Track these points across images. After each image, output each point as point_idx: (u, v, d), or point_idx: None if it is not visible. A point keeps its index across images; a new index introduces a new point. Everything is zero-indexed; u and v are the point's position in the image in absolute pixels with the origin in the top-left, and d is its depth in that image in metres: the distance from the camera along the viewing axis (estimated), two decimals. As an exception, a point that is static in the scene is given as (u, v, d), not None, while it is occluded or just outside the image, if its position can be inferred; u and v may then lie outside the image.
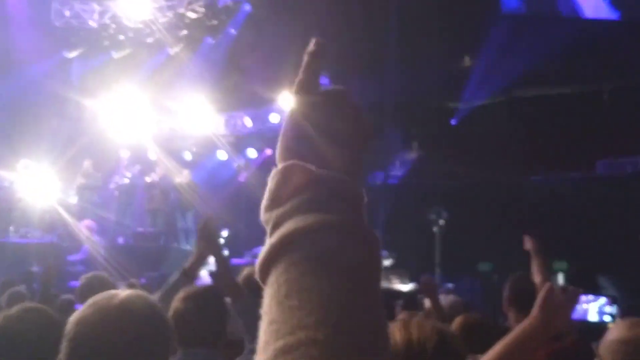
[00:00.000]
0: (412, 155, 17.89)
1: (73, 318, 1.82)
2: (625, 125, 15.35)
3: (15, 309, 2.47)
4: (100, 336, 1.76)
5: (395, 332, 1.72)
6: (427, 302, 5.52)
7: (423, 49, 15.89)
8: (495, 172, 15.06)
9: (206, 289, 3.20)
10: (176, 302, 3.02)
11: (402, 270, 11.68)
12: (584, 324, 10.85)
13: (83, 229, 11.23)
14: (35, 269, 9.66)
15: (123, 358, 1.77)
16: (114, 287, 4.54)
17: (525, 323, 2.22)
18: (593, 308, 11.41)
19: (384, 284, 11.53)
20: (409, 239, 13.83)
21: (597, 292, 12.34)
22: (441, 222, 14.00)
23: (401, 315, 4.98)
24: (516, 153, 15.20)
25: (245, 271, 4.02)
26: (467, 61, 17.04)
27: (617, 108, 15.51)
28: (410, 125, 17.72)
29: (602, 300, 11.61)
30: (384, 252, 12.57)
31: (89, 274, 4.67)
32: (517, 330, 2.21)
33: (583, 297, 11.13)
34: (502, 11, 15.63)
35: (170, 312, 2.92)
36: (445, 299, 5.90)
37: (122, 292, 1.90)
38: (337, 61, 15.64)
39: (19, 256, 10.39)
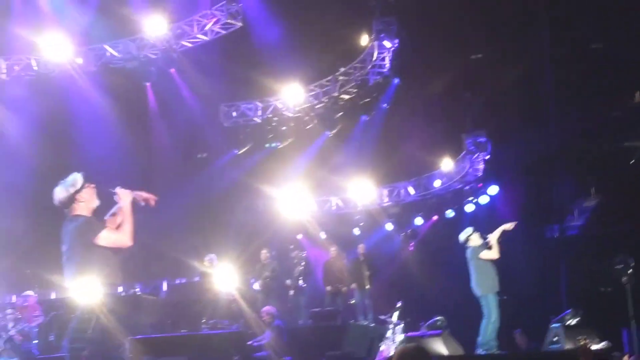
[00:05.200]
0: (590, 202, 16.87)
1: None
2: None
3: None
4: None
5: None
6: None
7: (586, 90, 15.23)
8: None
9: None
10: None
11: (589, 329, 10.90)
12: None
13: (264, 315, 11.86)
14: (236, 358, 10.34)
15: None
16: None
17: None
18: None
19: (572, 345, 10.75)
20: (596, 293, 12.95)
21: None
22: (630, 271, 12.90)
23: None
24: None
25: None
26: (637, 97, 15.96)
27: None
28: (584, 172, 16.78)
29: None
30: (568, 311, 11.84)
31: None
32: None
33: None
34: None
35: None
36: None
37: None
38: (496, 119, 15.50)
39: (211, 347, 11.13)
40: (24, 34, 15.03)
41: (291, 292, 14.33)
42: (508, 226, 10.75)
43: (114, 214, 6.38)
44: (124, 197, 6.07)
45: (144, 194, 6.30)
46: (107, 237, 5.87)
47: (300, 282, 14.39)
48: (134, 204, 6.11)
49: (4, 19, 14.99)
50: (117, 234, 5.92)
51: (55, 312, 12.57)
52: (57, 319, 12.48)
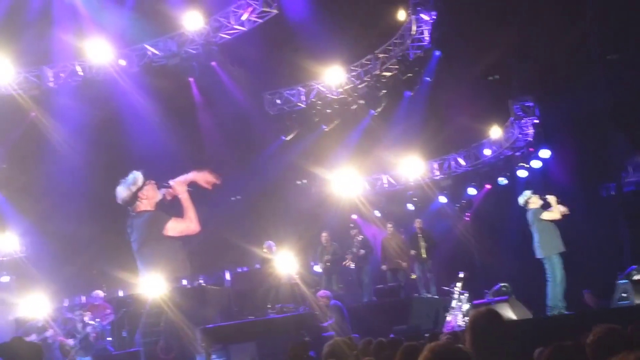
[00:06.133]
0: (644, 157, 16.56)
1: None
2: None
3: None
4: None
5: None
6: None
7: (632, 42, 14.94)
8: None
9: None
10: None
11: (660, 284, 10.74)
12: None
13: (320, 299, 12.02)
14: (307, 338, 10.52)
15: None
16: (351, 349, 5.03)
17: None
18: None
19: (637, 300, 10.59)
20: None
21: None
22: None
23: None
24: None
25: None
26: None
27: None
28: (636, 127, 16.48)
29: None
30: (634, 266, 11.69)
31: (331, 342, 5.15)
32: None
33: None
34: None
35: None
36: None
37: None
38: (542, 82, 15.30)
39: (280, 330, 11.30)
40: (67, 41, 15.35)
41: (352, 265, 14.48)
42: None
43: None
44: (179, 187, 6.20)
45: (205, 177, 6.40)
46: (174, 227, 6.02)
47: (352, 265, 14.49)
48: (191, 195, 6.23)
49: (46, 28, 15.32)
50: (184, 222, 6.07)
51: (125, 309, 12.93)
52: (127, 315, 12.84)
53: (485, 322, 3.90)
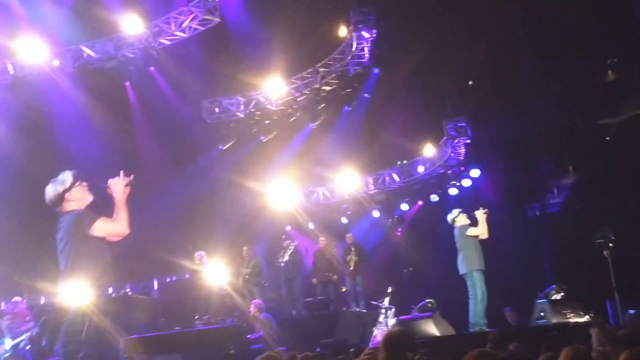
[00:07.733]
0: (568, 180, 17.23)
1: None
2: None
3: None
4: None
5: None
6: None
7: (560, 70, 15.53)
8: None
9: None
10: None
11: (573, 302, 11.18)
12: None
13: (252, 309, 11.96)
14: (232, 351, 10.43)
15: None
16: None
17: None
18: None
19: (558, 319, 10.96)
20: (579, 267, 13.26)
21: None
22: (611, 244, 13.19)
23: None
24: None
25: None
26: (610, 75, 16.30)
27: None
28: (561, 150, 17.12)
29: None
30: (552, 286, 12.10)
31: (264, 355, 5.15)
32: None
33: None
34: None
35: None
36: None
37: None
38: (474, 103, 15.76)
39: (206, 342, 11.20)
40: (-2, 39, 14.89)
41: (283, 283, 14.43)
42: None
43: None
44: (116, 186, 6.01)
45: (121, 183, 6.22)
46: (102, 228, 5.76)
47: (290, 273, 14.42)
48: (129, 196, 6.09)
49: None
50: (113, 223, 5.81)
51: (46, 317, 12.55)
52: (48, 323, 12.46)
53: (396, 341, 4.12)
